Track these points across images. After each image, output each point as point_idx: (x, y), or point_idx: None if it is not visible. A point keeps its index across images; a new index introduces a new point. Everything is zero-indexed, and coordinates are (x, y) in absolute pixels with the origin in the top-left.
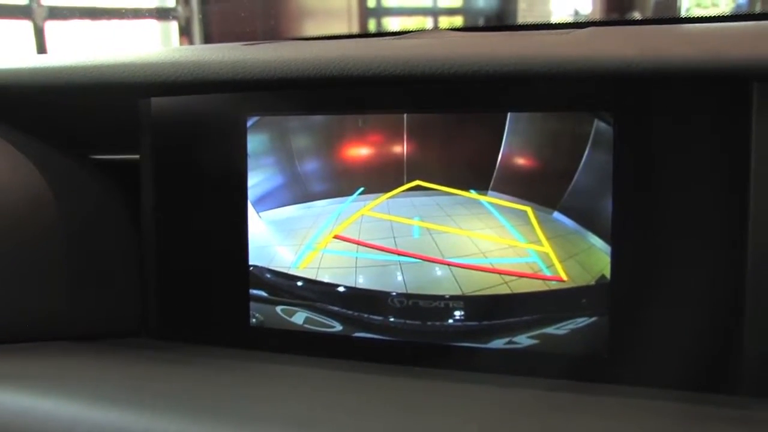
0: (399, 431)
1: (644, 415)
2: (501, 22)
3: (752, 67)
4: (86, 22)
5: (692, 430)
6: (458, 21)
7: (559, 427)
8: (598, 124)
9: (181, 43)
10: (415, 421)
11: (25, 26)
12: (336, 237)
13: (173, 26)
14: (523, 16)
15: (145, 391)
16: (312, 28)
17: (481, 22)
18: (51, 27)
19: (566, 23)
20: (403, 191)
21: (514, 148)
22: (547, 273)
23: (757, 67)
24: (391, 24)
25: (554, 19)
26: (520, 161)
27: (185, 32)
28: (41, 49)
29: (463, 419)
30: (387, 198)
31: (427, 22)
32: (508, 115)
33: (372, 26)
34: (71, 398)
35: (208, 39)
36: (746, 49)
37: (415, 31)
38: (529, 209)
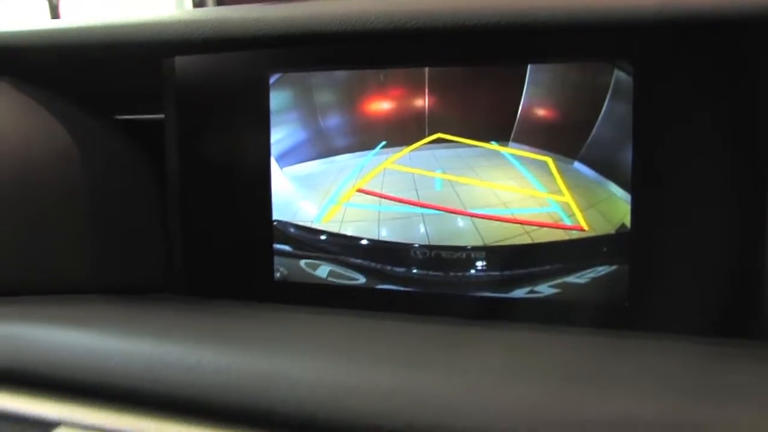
0: (423, 361)
1: (666, 360)
2: None
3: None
4: None
5: (714, 372)
6: None
7: (580, 368)
8: (618, 74)
9: None
10: (439, 356)
11: (41, 3)
12: (359, 190)
13: (187, 1)
14: None
15: (175, 330)
16: None
17: None
18: (65, 4)
19: None
20: (425, 144)
21: (535, 100)
22: (568, 222)
23: None
24: None
25: None
26: (541, 112)
27: (199, 6)
28: None
29: (485, 356)
30: (409, 151)
31: None
32: (528, 66)
33: None
34: (105, 335)
35: None
36: None
37: None
38: (549, 160)
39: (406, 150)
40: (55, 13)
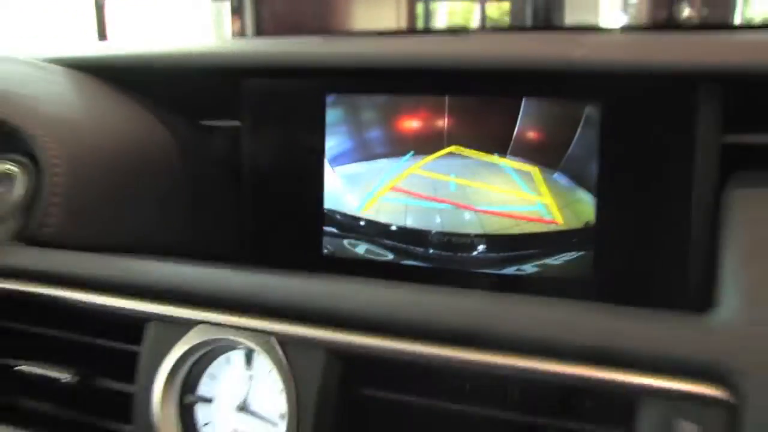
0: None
1: (617, 321)
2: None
3: (695, 71)
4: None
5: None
6: (505, 6)
7: (550, 319)
8: (589, 109)
9: (233, 22)
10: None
11: (87, 2)
12: (392, 188)
13: (225, 6)
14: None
15: (256, 272)
16: (362, 11)
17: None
18: (111, 3)
19: (583, 26)
20: (444, 154)
21: (527, 125)
22: (548, 218)
23: (698, 71)
24: (439, 8)
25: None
26: (531, 134)
27: (237, 11)
28: (101, 25)
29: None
30: (431, 159)
31: (475, 8)
32: (523, 99)
33: (420, 10)
34: (222, 269)
35: (259, 18)
36: (693, 56)
37: (459, 30)
38: (536, 170)
39: (428, 158)
40: (100, 13)
